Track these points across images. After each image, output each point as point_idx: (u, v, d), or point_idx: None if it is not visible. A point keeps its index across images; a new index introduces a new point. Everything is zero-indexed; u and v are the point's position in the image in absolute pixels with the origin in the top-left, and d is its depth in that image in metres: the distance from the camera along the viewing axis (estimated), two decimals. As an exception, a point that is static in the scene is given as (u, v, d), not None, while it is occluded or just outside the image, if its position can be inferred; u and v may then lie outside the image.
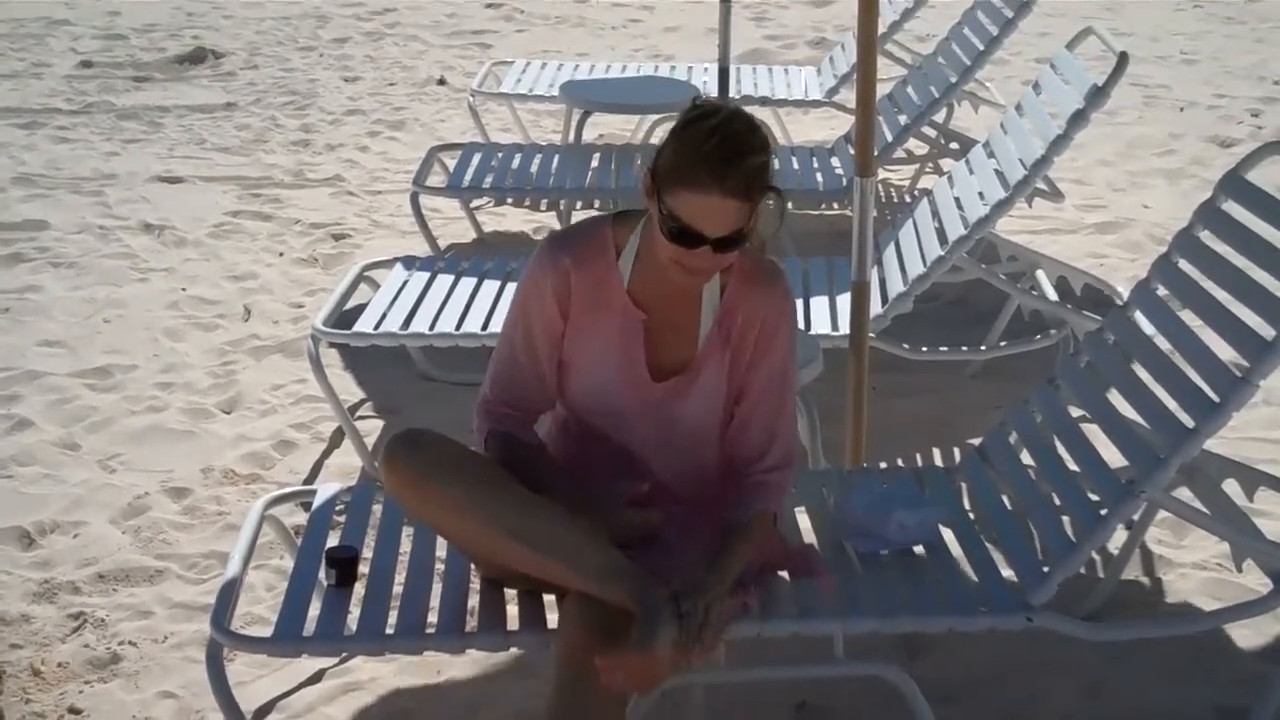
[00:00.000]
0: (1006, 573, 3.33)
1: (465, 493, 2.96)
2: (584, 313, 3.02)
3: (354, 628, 3.13)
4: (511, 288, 5.02)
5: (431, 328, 4.74)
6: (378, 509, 3.55)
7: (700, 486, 3.17)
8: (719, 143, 2.80)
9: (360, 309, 4.89)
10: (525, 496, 2.96)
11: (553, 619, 3.07)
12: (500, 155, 6.54)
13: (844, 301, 4.71)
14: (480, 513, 2.96)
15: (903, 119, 6.39)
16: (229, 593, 3.18)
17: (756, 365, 3.08)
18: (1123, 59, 4.68)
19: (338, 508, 3.60)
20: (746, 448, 3.12)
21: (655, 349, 3.07)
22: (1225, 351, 3.28)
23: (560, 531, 2.91)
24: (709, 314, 3.05)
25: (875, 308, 4.71)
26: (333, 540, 3.42)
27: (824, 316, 4.86)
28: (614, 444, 3.12)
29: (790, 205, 6.39)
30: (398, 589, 3.25)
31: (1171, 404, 3.31)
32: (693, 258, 2.88)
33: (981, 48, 6.19)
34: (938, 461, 4.72)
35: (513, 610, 3.16)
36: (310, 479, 4.60)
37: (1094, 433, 3.50)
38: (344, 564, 3.25)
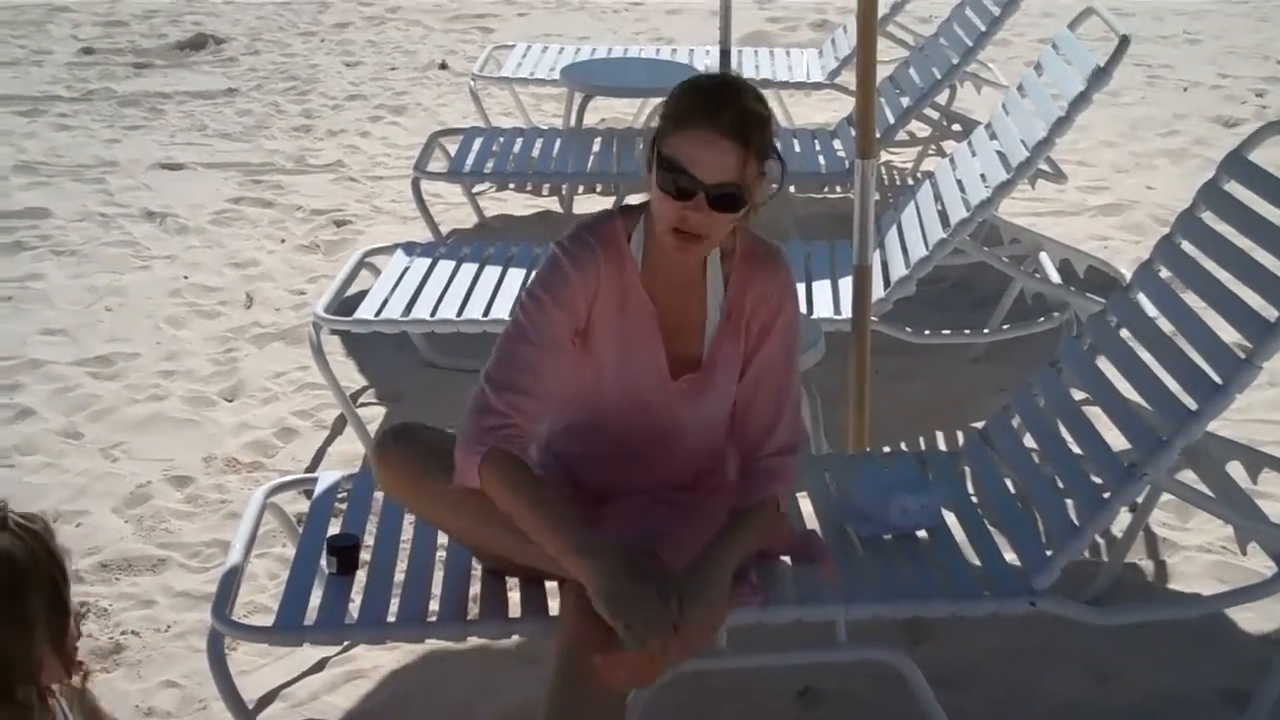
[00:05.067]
0: (1010, 556, 3.32)
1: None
2: (608, 307, 2.97)
3: (356, 616, 3.13)
4: (514, 273, 5.02)
5: (433, 314, 4.73)
6: (379, 497, 3.54)
7: (710, 475, 3.15)
8: (714, 85, 2.87)
9: (362, 295, 4.88)
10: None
11: (555, 605, 3.07)
12: (502, 140, 6.53)
13: (846, 285, 4.70)
14: (474, 504, 2.95)
15: (905, 101, 6.37)
16: (230, 581, 3.18)
17: (759, 347, 3.05)
18: (1123, 42, 4.67)
19: (339, 495, 3.59)
20: (751, 431, 3.08)
21: (668, 344, 3.03)
22: (1228, 333, 3.27)
23: None
24: (714, 305, 3.03)
25: (878, 291, 4.69)
26: (334, 528, 3.41)
27: (826, 300, 4.85)
28: (624, 448, 3.09)
29: (792, 188, 6.40)
30: (399, 577, 3.25)
31: (1174, 386, 3.30)
32: (689, 217, 2.83)
33: (983, 28, 6.17)
34: (941, 445, 4.71)
35: (515, 597, 3.16)
36: (312, 467, 4.60)
37: (1097, 415, 3.49)
38: (345, 552, 3.25)
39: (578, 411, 3.08)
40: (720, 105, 2.82)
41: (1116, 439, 3.37)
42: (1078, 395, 3.62)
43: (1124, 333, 3.61)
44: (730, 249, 3.02)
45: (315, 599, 3.16)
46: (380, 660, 3.64)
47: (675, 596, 2.73)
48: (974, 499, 3.57)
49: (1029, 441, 3.63)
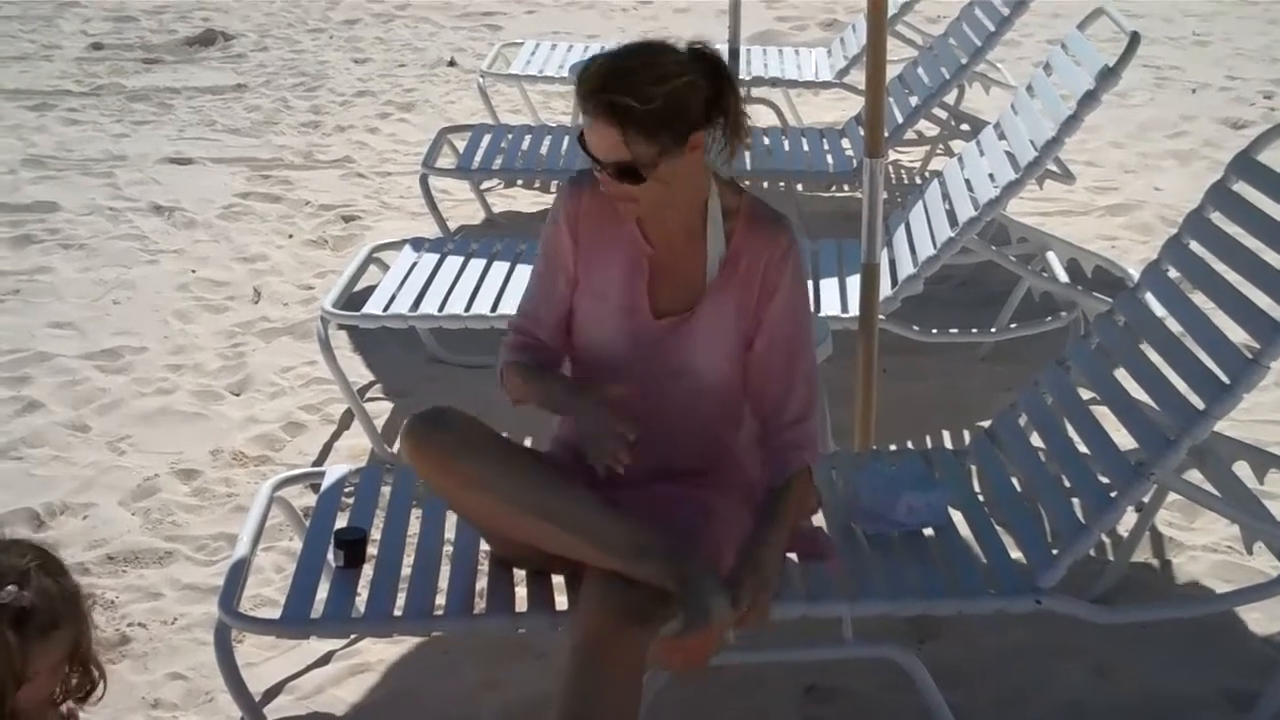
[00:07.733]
0: (1016, 555, 3.33)
1: (491, 469, 2.97)
2: (595, 241, 3.08)
3: (362, 609, 3.14)
4: (521, 269, 5.03)
5: (441, 309, 4.74)
6: (386, 490, 3.55)
7: (720, 458, 3.16)
8: (594, 71, 2.91)
9: (370, 291, 4.88)
10: (551, 474, 2.99)
11: (561, 600, 3.08)
12: (510, 137, 6.54)
13: (854, 283, 4.70)
14: (506, 489, 2.97)
15: (913, 100, 6.37)
16: (237, 574, 3.19)
17: (762, 312, 3.09)
18: (1134, 39, 4.66)
19: (346, 489, 3.60)
20: (765, 400, 3.12)
21: (659, 288, 3.09)
22: (1236, 333, 3.27)
23: (587, 509, 2.92)
24: (714, 260, 3.08)
25: (885, 289, 4.69)
26: (341, 522, 3.42)
27: (834, 298, 4.84)
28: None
29: (800, 186, 6.42)
30: (406, 570, 3.26)
31: (1182, 386, 3.30)
32: (606, 184, 2.98)
33: (992, 29, 6.17)
34: (947, 444, 4.71)
35: (521, 592, 3.16)
36: (319, 461, 4.60)
37: (1104, 415, 3.49)
38: (352, 545, 3.26)
39: (577, 370, 3.17)
40: (591, 93, 2.90)
41: (1124, 438, 3.37)
42: (1085, 394, 3.62)
43: (1132, 332, 3.61)
44: (735, 208, 3.08)
45: (322, 592, 3.18)
46: (386, 653, 3.64)
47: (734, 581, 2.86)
48: (980, 497, 3.58)
49: (1036, 440, 3.63)
